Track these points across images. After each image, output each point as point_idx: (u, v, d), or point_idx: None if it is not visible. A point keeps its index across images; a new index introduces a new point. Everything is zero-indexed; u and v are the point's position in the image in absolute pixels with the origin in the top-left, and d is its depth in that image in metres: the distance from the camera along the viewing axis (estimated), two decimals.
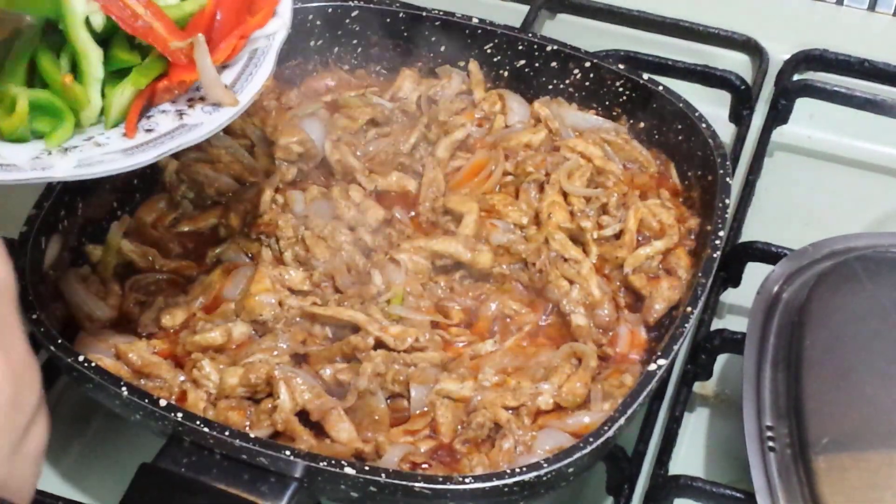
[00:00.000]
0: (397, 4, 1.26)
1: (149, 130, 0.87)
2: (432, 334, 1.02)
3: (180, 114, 0.89)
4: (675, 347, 0.93)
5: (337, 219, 1.11)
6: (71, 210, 1.06)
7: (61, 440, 1.06)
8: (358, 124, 1.21)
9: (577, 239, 1.10)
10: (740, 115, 1.32)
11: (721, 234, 1.02)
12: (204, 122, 0.87)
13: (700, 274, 0.99)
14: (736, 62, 1.40)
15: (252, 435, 0.88)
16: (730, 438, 1.07)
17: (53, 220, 1.04)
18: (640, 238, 1.11)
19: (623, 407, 0.89)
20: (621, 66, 1.21)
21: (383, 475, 0.85)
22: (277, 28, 0.94)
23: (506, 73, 1.26)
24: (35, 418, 0.54)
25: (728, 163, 1.09)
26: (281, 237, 1.09)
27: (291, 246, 1.08)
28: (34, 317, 0.94)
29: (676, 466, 1.02)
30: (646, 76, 1.20)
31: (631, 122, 1.21)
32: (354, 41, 1.28)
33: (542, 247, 1.08)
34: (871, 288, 1.00)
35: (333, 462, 0.85)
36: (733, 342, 1.07)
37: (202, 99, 0.89)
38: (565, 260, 1.08)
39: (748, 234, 1.20)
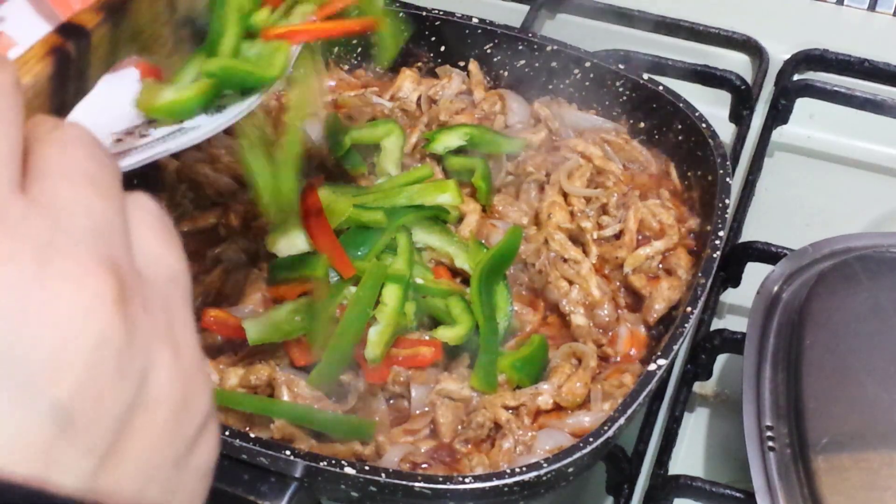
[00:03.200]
0: (397, 4, 1.26)
1: (143, 135, 0.87)
2: None
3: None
4: (675, 347, 0.93)
5: None
6: None
7: None
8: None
9: (576, 239, 1.10)
10: (740, 115, 1.32)
11: (721, 234, 1.02)
12: (202, 126, 0.86)
13: (700, 274, 0.99)
14: (736, 62, 1.40)
15: (252, 435, 0.88)
16: (730, 438, 1.07)
17: None
18: (640, 238, 1.11)
19: (623, 407, 0.89)
20: (621, 66, 1.21)
21: (383, 475, 0.85)
22: None
23: (506, 73, 1.26)
24: (205, 428, 0.47)
25: (728, 163, 1.09)
26: None
27: None
28: None
29: (676, 466, 1.02)
30: (646, 76, 1.20)
31: (631, 122, 1.22)
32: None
33: (541, 247, 1.08)
34: (871, 288, 1.00)
35: (333, 462, 0.85)
36: (733, 342, 1.07)
37: None
38: (565, 260, 1.08)
39: (748, 234, 1.20)
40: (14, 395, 0.40)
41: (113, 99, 0.81)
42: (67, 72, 0.60)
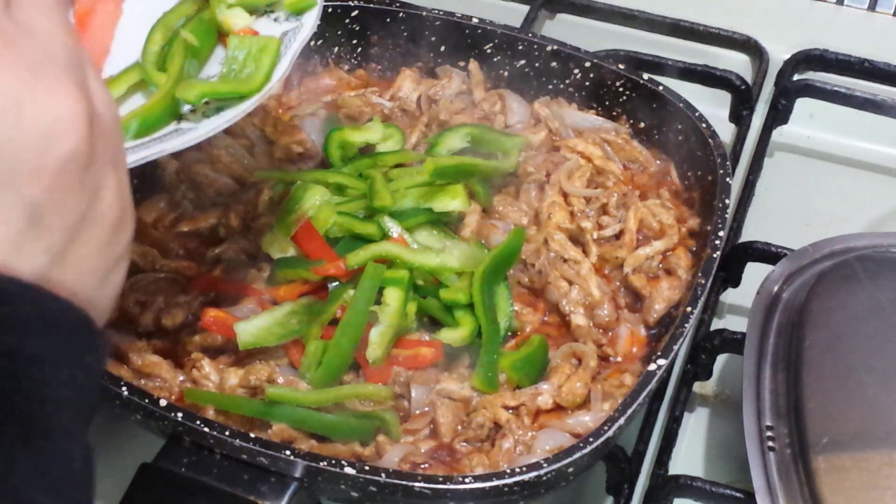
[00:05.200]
0: (397, 4, 1.26)
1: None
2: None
3: (179, 118, 0.88)
4: (675, 347, 0.93)
5: None
6: None
7: None
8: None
9: (576, 239, 1.10)
10: (740, 115, 1.32)
11: (721, 234, 1.02)
12: (199, 126, 0.86)
13: (700, 274, 0.99)
14: (736, 62, 1.40)
15: (252, 435, 0.88)
16: (730, 438, 1.07)
17: None
18: (639, 238, 1.11)
19: (623, 407, 0.89)
20: (621, 66, 1.21)
21: (383, 475, 0.85)
22: (294, 27, 0.93)
23: (506, 73, 1.26)
24: (125, 255, 0.56)
25: (728, 163, 1.09)
26: None
27: None
28: None
29: (676, 466, 1.02)
30: (646, 76, 1.20)
31: (631, 122, 1.22)
32: (354, 41, 1.28)
33: (541, 247, 1.08)
34: (871, 288, 0.99)
35: (333, 462, 0.85)
36: (733, 342, 1.07)
37: (206, 102, 0.88)
38: (565, 260, 1.08)
39: (748, 234, 1.20)
40: None
41: None
42: None
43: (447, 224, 1.09)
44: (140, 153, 0.81)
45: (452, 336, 1.00)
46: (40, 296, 0.48)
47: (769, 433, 0.93)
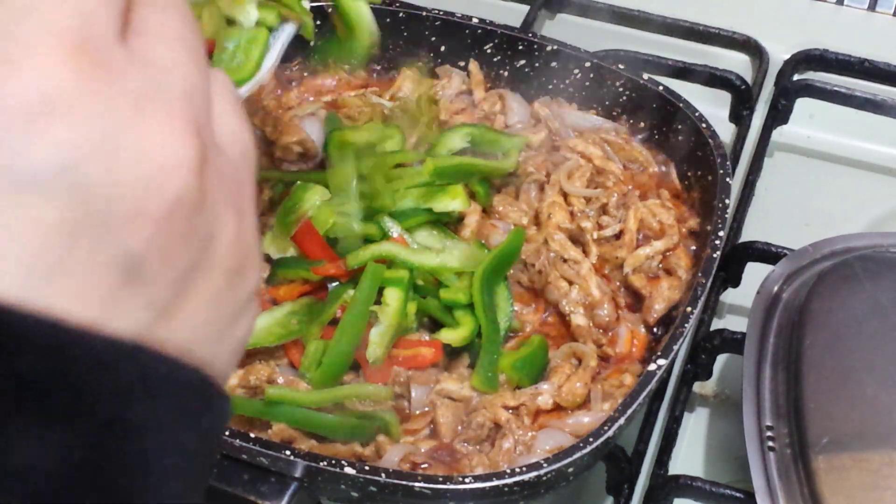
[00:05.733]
0: (397, 4, 1.26)
1: None
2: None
3: None
4: (675, 347, 0.93)
5: None
6: None
7: None
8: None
9: (576, 239, 1.10)
10: (740, 115, 1.32)
11: (721, 234, 1.02)
12: None
13: (700, 274, 0.99)
14: (736, 62, 1.40)
15: (252, 435, 0.88)
16: (730, 438, 1.07)
17: None
18: (639, 238, 1.11)
19: (623, 407, 0.89)
20: (621, 66, 1.21)
21: (383, 475, 0.85)
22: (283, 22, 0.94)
23: (506, 73, 1.26)
24: (249, 302, 0.49)
25: (728, 163, 1.09)
26: None
27: None
28: None
29: (676, 466, 1.02)
30: (646, 76, 1.20)
31: (631, 122, 1.22)
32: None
33: (541, 247, 1.08)
34: (872, 288, 0.99)
35: (333, 462, 0.85)
36: (733, 342, 1.07)
37: None
38: (565, 260, 1.07)
39: (748, 234, 1.20)
40: (90, 235, 0.41)
41: None
42: None
43: (447, 224, 1.09)
44: None
45: (452, 336, 1.00)
46: (143, 356, 0.43)
47: (769, 433, 0.93)
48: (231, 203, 0.47)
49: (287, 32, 0.92)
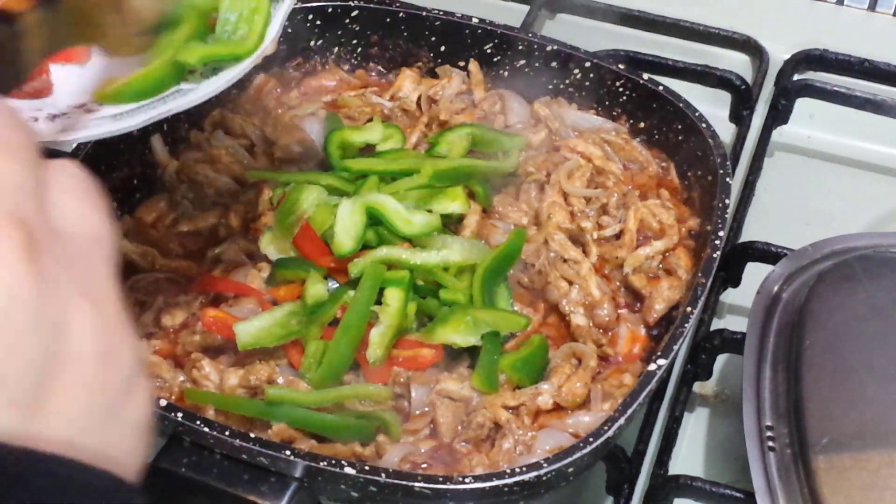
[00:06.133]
0: (397, 4, 1.26)
1: (90, 110, 0.88)
2: None
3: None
4: (675, 347, 0.93)
5: None
6: None
7: None
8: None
9: (576, 239, 1.10)
10: (740, 115, 1.32)
11: (721, 234, 1.02)
12: (199, 87, 0.87)
13: (700, 274, 0.99)
14: (736, 62, 1.40)
15: (252, 435, 0.88)
16: (730, 438, 1.07)
17: None
18: (640, 238, 1.11)
19: (623, 407, 0.89)
20: (621, 66, 1.21)
21: (383, 475, 0.85)
22: None
23: (506, 73, 1.25)
24: (133, 381, 0.48)
25: (728, 163, 1.09)
26: None
27: None
28: None
29: (676, 466, 1.02)
30: (646, 76, 1.20)
31: (631, 122, 1.21)
32: (354, 41, 1.28)
33: (541, 247, 1.08)
34: (871, 288, 0.99)
35: (333, 462, 0.85)
36: (733, 342, 1.07)
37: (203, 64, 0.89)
38: (565, 260, 1.07)
39: (748, 234, 1.20)
40: None
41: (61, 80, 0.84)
42: None
43: (447, 226, 1.09)
44: (145, 114, 0.82)
45: (457, 337, 1.00)
46: (13, 454, 0.41)
47: (769, 433, 0.93)
48: (80, 288, 0.46)
49: (288, 2, 0.92)
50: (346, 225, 1.02)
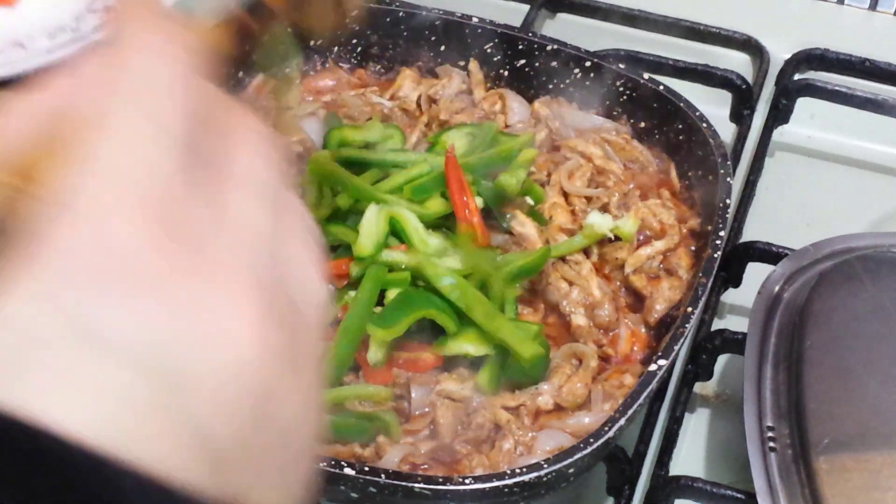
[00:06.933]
0: (397, 4, 1.26)
1: (75, 30, 0.90)
2: None
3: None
4: (676, 348, 0.93)
5: None
6: None
7: None
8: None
9: None
10: (741, 115, 1.32)
11: (722, 234, 1.02)
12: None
13: (701, 274, 0.99)
14: (737, 62, 1.40)
15: None
16: (730, 439, 1.07)
17: None
18: (640, 238, 1.11)
19: (623, 407, 0.89)
20: (622, 66, 1.21)
21: (383, 476, 0.84)
22: None
23: (506, 73, 1.25)
24: (308, 450, 0.47)
25: (729, 163, 1.09)
26: None
27: None
28: None
29: (677, 467, 1.02)
30: (646, 76, 1.19)
31: (631, 121, 1.21)
32: (354, 41, 1.28)
33: None
34: (873, 288, 0.99)
35: (333, 462, 0.85)
36: (734, 342, 1.07)
37: None
38: (565, 261, 1.07)
39: (749, 234, 1.20)
40: (165, 415, 0.39)
41: None
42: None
43: (448, 228, 1.08)
44: (71, 46, 0.85)
45: (470, 347, 0.99)
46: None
47: (770, 434, 0.93)
48: (295, 363, 0.44)
49: None
50: (371, 230, 1.01)
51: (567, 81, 1.23)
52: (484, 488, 0.84)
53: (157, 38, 0.43)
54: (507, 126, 1.21)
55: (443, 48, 1.27)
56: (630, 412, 0.88)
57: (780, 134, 1.35)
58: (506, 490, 0.85)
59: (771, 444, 0.92)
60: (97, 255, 0.38)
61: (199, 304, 0.40)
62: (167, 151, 0.41)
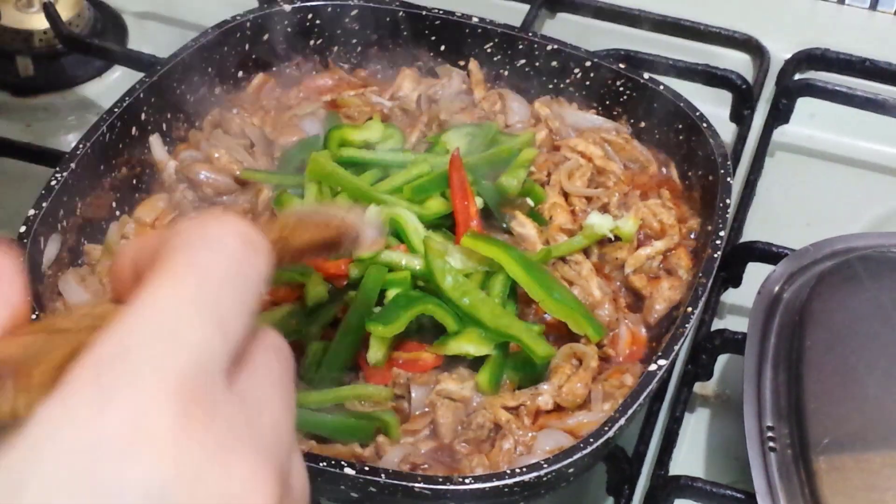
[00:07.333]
0: (397, 4, 1.26)
1: None
2: None
3: None
4: (676, 348, 0.93)
5: None
6: (70, 210, 1.06)
7: None
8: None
9: None
10: (741, 115, 1.32)
11: (722, 234, 1.02)
12: None
13: (701, 274, 0.99)
14: (737, 61, 1.40)
15: None
16: (730, 439, 1.07)
17: (52, 220, 1.03)
18: (640, 238, 1.11)
19: (623, 407, 0.89)
20: (622, 66, 1.21)
21: (383, 476, 0.84)
22: None
23: (506, 73, 1.25)
24: None
25: (729, 163, 1.09)
26: None
27: None
28: (32, 317, 0.93)
29: (677, 467, 1.02)
30: (646, 75, 1.19)
31: (631, 121, 1.21)
32: (354, 41, 1.28)
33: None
34: (873, 288, 0.99)
35: (333, 462, 0.85)
36: (734, 342, 1.07)
37: None
38: (565, 261, 1.07)
39: (749, 234, 1.20)
40: None
41: None
42: None
43: (448, 228, 1.08)
44: None
45: (472, 347, 0.99)
46: None
47: (770, 434, 0.93)
48: None
49: None
50: None
51: (567, 81, 1.23)
52: (484, 488, 0.84)
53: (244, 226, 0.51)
54: (506, 126, 1.21)
55: (443, 48, 1.27)
56: (630, 412, 0.88)
57: (780, 134, 1.35)
58: (506, 490, 0.85)
59: (771, 443, 0.92)
60: (111, 424, 0.41)
61: (210, 463, 0.43)
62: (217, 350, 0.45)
